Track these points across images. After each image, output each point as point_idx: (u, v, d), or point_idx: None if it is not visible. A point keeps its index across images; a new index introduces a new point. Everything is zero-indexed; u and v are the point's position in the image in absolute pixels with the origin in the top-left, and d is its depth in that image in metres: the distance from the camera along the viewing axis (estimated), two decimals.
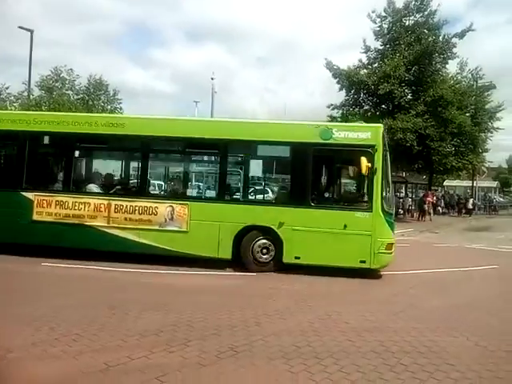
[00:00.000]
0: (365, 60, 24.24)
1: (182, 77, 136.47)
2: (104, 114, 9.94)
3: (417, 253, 13.04)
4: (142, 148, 9.36)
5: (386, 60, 22.33)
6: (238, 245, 8.59)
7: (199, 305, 6.13)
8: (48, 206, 8.99)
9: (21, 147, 9.36)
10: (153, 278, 7.86)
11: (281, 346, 4.70)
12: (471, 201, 32.03)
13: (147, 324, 5.22)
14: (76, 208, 8.93)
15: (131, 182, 10.35)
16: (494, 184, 52.48)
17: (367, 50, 24.14)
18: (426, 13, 23.23)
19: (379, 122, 21.18)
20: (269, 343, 4.76)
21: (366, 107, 24.58)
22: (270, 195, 10.36)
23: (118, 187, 9.66)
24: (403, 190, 31.57)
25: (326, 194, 9.36)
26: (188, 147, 9.31)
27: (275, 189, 10.54)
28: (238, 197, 9.27)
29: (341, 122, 23.57)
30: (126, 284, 7.36)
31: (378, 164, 8.34)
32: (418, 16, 23.51)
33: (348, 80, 22.72)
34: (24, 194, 9.11)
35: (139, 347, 4.48)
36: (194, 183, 10.47)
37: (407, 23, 23.73)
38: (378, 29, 23.95)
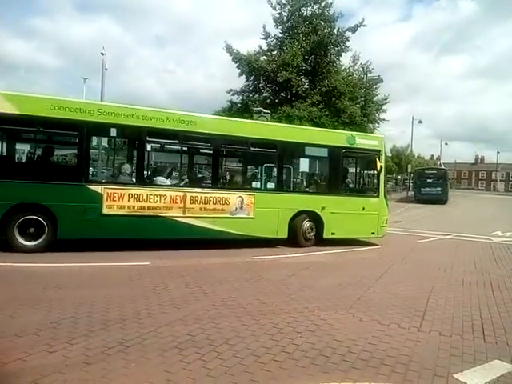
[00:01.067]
0: (265, 47, 24.59)
1: (69, 51, 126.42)
2: (175, 111, 9.93)
3: None
4: (213, 145, 10.30)
5: (284, 48, 22.87)
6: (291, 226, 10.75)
7: (86, 299, 5.69)
8: (120, 200, 8.97)
9: (87, 139, 9.13)
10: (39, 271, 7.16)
11: (174, 336, 4.54)
12: None
13: (24, 323, 4.69)
14: (151, 200, 9.25)
15: (204, 175, 11.74)
16: None
17: (267, 36, 24.48)
18: (322, 4, 24.17)
19: (278, 110, 22.10)
20: (161, 334, 4.57)
21: (266, 94, 25.04)
22: (314, 186, 12.38)
23: (192, 180, 10.85)
24: None
25: (351, 185, 12.43)
26: (253, 146, 10.52)
27: (318, 181, 12.60)
28: (291, 188, 11.51)
29: (241, 107, 23.87)
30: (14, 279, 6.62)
31: (383, 164, 11.68)
32: (315, 7, 24.37)
33: (248, 66, 22.88)
34: (91, 187, 8.92)
35: (13, 349, 4.00)
36: (258, 177, 11.80)
37: (305, 13, 24.47)
38: (278, 16, 24.36)
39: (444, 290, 7.26)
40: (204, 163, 12.03)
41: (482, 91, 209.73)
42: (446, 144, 68.16)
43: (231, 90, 24.17)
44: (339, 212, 11.10)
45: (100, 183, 9.32)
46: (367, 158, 11.96)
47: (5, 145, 8.77)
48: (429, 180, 37.04)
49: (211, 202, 9.80)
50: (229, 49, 23.33)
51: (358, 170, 12.77)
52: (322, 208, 11.00)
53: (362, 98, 28.88)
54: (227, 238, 10.07)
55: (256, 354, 4.21)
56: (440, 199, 34.85)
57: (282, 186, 10.97)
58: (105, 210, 8.90)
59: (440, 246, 12.94)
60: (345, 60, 27.90)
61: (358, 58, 28.46)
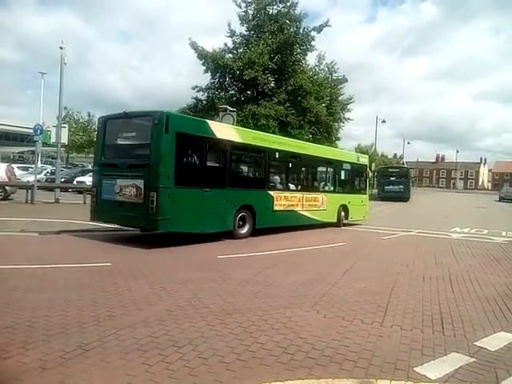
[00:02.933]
0: (230, 44, 24.48)
1: (29, 45, 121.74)
2: (299, 142, 17.17)
3: (276, 235, 13.76)
4: (314, 163, 16.01)
5: (250, 46, 22.85)
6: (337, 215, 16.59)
7: (44, 302, 5.47)
8: (280, 200, 13.50)
9: (268, 159, 13.33)
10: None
11: (136, 338, 4.42)
12: None
13: None
14: (290, 200, 13.99)
15: (308, 183, 16.00)
16: None
17: (232, 34, 24.39)
18: (288, 3, 24.28)
19: (244, 108, 22.07)
20: (122, 337, 4.44)
21: (232, 92, 24.96)
22: (346, 188, 17.77)
23: (304, 186, 15.38)
24: None
25: (358, 187, 18.44)
26: (326, 163, 16.61)
27: (347, 185, 17.94)
28: (338, 190, 16.99)
29: (206, 104, 23.67)
30: None
31: (368, 173, 19.48)
32: (281, 6, 24.48)
33: (213, 63, 22.71)
34: (269, 192, 13.18)
35: None
36: (326, 184, 16.86)
37: (271, 12, 24.55)
38: (244, 14, 24.30)
39: (406, 285, 7.44)
40: (309, 175, 16.43)
41: (442, 92, 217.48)
42: (409, 143, 70.11)
43: (196, 87, 23.93)
44: (354, 204, 17.36)
45: (272, 189, 13.33)
46: (363, 169, 18.66)
47: (233, 164, 12.29)
48: (392, 178, 38.04)
49: (312, 201, 15.07)
50: (194, 45, 23.09)
51: (359, 177, 18.64)
52: (349, 202, 17.08)
53: (328, 98, 29.31)
54: (314, 224, 15.08)
55: (220, 354, 4.17)
56: (402, 197, 35.85)
57: (335, 189, 16.75)
58: (275, 208, 13.26)
59: (402, 243, 13.28)
60: (310, 59, 28.25)
61: (323, 58, 28.91)
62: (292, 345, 4.50)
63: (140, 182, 9.82)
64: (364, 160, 18.89)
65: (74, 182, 24.42)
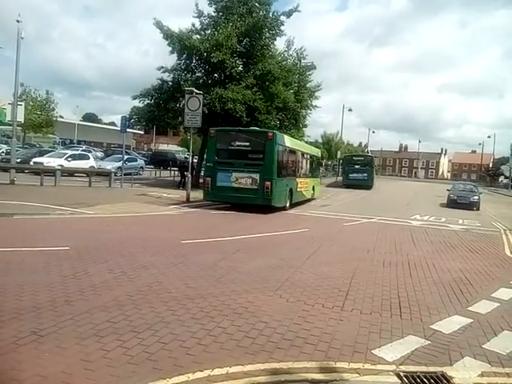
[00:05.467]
0: (198, 25, 23.87)
1: None
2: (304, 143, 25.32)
3: (241, 220, 13.72)
4: (308, 158, 22.59)
5: (219, 28, 22.38)
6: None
7: None
8: (299, 184, 19.42)
9: (301, 158, 21.02)
10: None
11: (93, 323, 4.31)
12: None
13: None
14: (301, 183, 19.77)
15: (305, 171, 21.69)
16: None
17: (200, 14, 23.74)
18: None
19: (211, 91, 21.70)
20: (79, 322, 4.32)
21: (199, 74, 24.41)
22: (313, 174, 24.03)
23: (303, 174, 21.16)
24: None
25: (316, 173, 25.26)
26: (310, 157, 22.98)
27: (314, 172, 24.36)
28: (311, 175, 22.99)
29: (172, 86, 23.14)
30: None
31: (321, 163, 32.23)
32: None
33: (180, 43, 22.09)
34: (297, 179, 19.19)
35: None
36: (308, 171, 22.42)
37: None
38: None
39: (366, 270, 7.61)
40: (305, 166, 22.22)
41: (407, 84, 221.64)
42: (374, 132, 71.94)
43: (162, 68, 23.24)
44: (317, 185, 24.08)
45: (298, 177, 19.49)
46: (319, 159, 26.44)
47: (290, 162, 18.53)
48: (356, 166, 38.70)
49: (305, 183, 20.86)
50: (159, 25, 22.37)
51: (318, 166, 25.58)
52: (315, 183, 23.43)
53: (296, 84, 29.24)
54: (304, 200, 20.80)
55: (180, 339, 4.12)
56: (366, 185, 36.61)
57: (312, 174, 23.14)
58: (298, 189, 18.99)
59: (364, 229, 13.56)
60: (279, 45, 28.00)
61: (292, 43, 28.72)
62: (253, 329, 4.51)
63: (256, 175, 15.11)
64: (319, 152, 27.18)
65: (31, 163, 23.36)
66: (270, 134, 15.51)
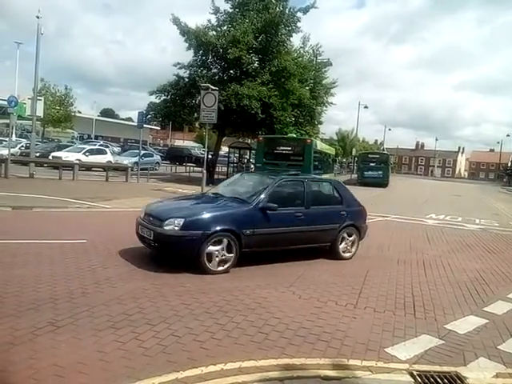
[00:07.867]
0: (214, 21, 23.87)
1: (7, 14, 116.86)
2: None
3: None
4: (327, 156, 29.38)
5: (235, 24, 22.35)
6: None
7: (15, 278, 5.35)
8: None
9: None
10: None
11: (109, 315, 4.38)
12: None
13: None
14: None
15: (326, 168, 27.89)
16: None
17: (216, 11, 23.74)
18: None
19: (227, 87, 21.72)
20: (95, 314, 4.40)
21: (215, 70, 24.42)
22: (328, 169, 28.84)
23: (324, 169, 26.37)
24: (247, 156, 32.94)
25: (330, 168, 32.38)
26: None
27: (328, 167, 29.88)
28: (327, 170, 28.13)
29: (188, 82, 23.21)
30: None
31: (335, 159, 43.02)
32: None
33: (196, 39, 22.12)
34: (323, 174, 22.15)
35: None
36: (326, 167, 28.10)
37: None
38: None
39: (381, 268, 7.56)
40: (326, 162, 27.97)
41: (424, 81, 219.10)
42: (390, 130, 70.96)
43: (178, 64, 23.32)
44: None
45: (323, 172, 22.71)
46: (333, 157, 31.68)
47: (317, 159, 22.36)
48: (371, 164, 38.30)
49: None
50: (176, 21, 22.43)
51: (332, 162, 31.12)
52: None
53: (311, 81, 29.06)
54: None
55: (194, 333, 4.17)
56: (381, 183, 36.23)
57: (327, 170, 27.75)
58: None
59: (379, 228, 13.43)
60: (295, 41, 27.84)
61: (307, 40, 28.55)
62: (266, 324, 4.53)
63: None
64: (333, 150, 32.92)
65: (50, 157, 23.73)
66: (309, 140, 20.84)
